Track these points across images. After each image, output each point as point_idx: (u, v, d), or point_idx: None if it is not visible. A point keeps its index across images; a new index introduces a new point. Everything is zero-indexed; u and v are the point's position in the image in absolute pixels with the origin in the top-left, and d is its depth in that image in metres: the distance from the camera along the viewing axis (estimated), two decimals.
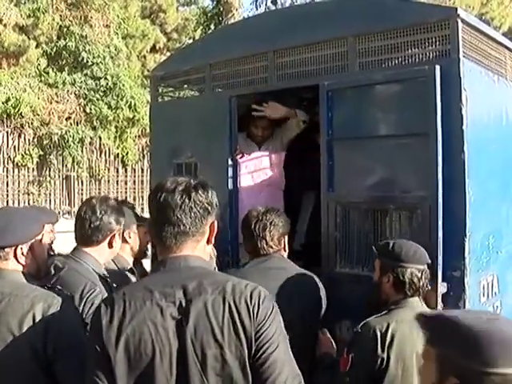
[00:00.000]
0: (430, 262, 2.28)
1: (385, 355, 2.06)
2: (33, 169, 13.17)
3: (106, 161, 14.19)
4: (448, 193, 2.49)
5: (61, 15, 14.33)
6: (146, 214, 3.34)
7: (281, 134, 3.87)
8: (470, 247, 2.51)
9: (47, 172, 13.29)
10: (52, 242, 3.00)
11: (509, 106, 3.02)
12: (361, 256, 2.77)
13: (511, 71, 3.15)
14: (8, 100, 12.17)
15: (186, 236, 1.52)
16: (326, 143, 2.89)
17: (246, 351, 1.41)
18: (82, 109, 13.46)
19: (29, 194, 13.07)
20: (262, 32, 3.28)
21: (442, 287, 2.47)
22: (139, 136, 14.60)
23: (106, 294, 2.15)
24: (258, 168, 3.68)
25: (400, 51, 2.73)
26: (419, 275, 2.21)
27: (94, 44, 14.14)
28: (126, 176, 14.71)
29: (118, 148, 14.23)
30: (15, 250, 1.87)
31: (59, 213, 11.41)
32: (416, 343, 1.95)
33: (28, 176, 13.10)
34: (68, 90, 13.44)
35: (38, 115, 12.75)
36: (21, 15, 13.40)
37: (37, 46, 14.06)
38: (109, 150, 14.15)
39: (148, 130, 4.92)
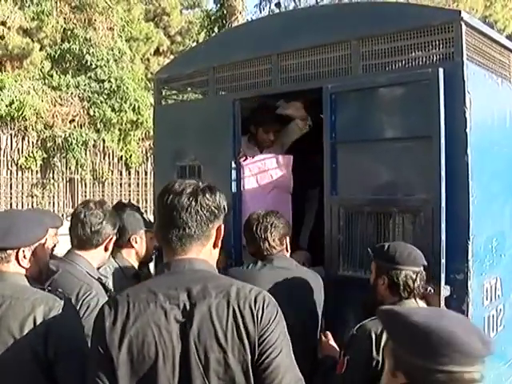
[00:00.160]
0: (426, 263, 2.27)
1: (380, 357, 2.05)
2: (36, 171, 13.22)
3: (109, 163, 14.25)
4: (451, 196, 2.48)
5: (65, 18, 14.40)
6: (150, 216, 3.36)
7: (282, 137, 3.85)
8: (473, 250, 2.51)
9: (51, 174, 13.34)
10: (55, 246, 3.00)
11: None
12: (364, 259, 2.77)
13: None
14: (12, 103, 12.23)
15: (191, 239, 1.52)
16: (329, 146, 2.89)
17: (249, 356, 1.41)
18: (85, 111, 13.52)
19: (32, 197, 13.12)
20: (266, 35, 3.28)
21: (446, 290, 2.46)
22: (143, 139, 14.66)
23: (102, 297, 2.16)
24: (262, 170, 3.67)
25: (403, 54, 2.73)
26: (414, 277, 2.20)
27: (98, 47, 14.20)
28: (130, 178, 14.76)
29: (121, 150, 14.28)
30: (17, 253, 1.87)
31: (63, 215, 11.41)
32: None
33: (32, 178, 13.15)
34: (72, 93, 13.51)
35: (42, 118, 12.81)
36: (25, 18, 13.46)
37: (41, 49, 14.12)
38: (112, 152, 14.20)
39: (151, 133, 4.93)
